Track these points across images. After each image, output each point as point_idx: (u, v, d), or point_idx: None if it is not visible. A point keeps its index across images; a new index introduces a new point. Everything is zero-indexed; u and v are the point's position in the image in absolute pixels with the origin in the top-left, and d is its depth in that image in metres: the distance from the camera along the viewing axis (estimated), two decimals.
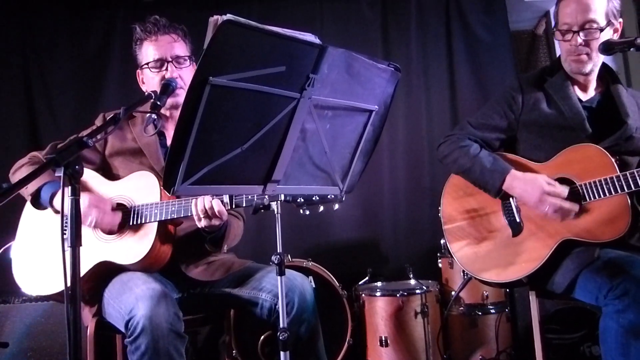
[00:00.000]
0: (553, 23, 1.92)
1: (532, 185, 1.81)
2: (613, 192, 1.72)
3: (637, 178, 1.69)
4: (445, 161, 2.03)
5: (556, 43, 1.96)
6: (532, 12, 3.99)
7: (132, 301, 1.62)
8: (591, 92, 1.96)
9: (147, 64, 1.94)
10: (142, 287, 1.67)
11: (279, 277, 1.48)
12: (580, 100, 1.91)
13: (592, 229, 1.76)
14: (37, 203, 1.85)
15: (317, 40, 1.17)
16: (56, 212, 1.84)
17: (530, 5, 3.85)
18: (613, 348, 1.57)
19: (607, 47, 1.76)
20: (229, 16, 0.99)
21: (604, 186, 1.74)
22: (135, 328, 1.57)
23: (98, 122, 2.02)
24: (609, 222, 1.74)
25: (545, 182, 1.80)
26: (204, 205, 1.70)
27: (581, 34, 1.82)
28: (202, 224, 1.74)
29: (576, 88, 1.94)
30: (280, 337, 1.45)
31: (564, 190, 1.79)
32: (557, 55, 2.02)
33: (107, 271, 1.82)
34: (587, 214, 1.78)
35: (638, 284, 1.54)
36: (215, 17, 1.01)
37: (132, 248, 1.79)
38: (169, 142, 1.99)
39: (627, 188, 1.70)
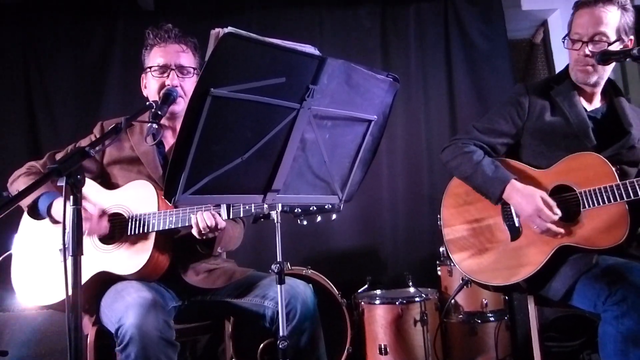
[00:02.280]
0: (567, 30, 1.93)
1: (527, 199, 1.82)
2: (612, 201, 1.73)
3: (637, 187, 1.70)
4: (448, 166, 2.04)
5: (566, 52, 1.95)
6: (530, 21, 4.01)
7: (122, 310, 1.63)
8: (596, 104, 1.97)
9: (151, 67, 1.95)
10: (134, 295, 1.67)
11: (278, 286, 1.49)
12: (585, 109, 1.92)
13: (590, 236, 1.77)
14: (34, 213, 1.85)
15: (316, 52, 1.18)
16: (54, 222, 1.85)
17: (528, 14, 3.88)
18: (612, 354, 1.57)
19: (604, 57, 1.78)
20: (230, 29, 1.00)
21: (604, 194, 1.75)
22: (124, 336, 1.57)
23: (96, 130, 2.04)
24: (607, 230, 1.74)
25: (542, 200, 1.80)
26: (205, 224, 1.71)
27: (589, 45, 1.83)
28: (200, 236, 1.75)
29: (582, 98, 1.95)
30: (280, 346, 1.46)
31: (557, 213, 1.79)
32: (565, 65, 2.02)
33: (105, 281, 1.82)
34: (585, 222, 1.79)
35: (636, 290, 1.55)
36: (217, 29, 1.02)
37: (130, 258, 1.79)
38: (166, 150, 2.01)
39: (626, 197, 1.71)
